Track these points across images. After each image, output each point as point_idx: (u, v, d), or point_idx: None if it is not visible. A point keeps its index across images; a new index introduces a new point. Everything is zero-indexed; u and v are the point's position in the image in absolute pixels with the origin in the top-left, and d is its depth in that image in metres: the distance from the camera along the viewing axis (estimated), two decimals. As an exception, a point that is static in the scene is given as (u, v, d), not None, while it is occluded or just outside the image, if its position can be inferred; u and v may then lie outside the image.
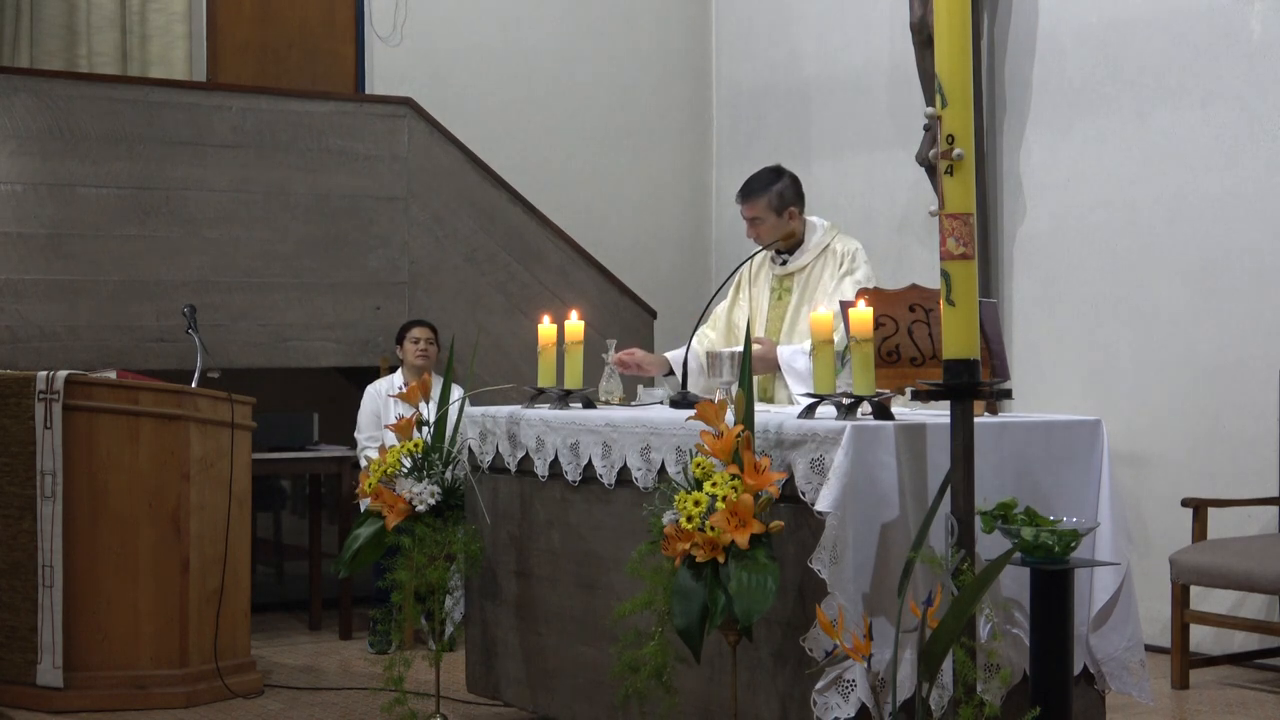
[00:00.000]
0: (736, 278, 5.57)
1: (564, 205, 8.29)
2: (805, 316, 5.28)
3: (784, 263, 5.38)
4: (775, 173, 5.36)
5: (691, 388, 5.14)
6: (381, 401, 6.97)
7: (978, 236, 4.46)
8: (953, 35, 3.54)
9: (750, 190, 5.32)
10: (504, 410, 5.09)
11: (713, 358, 5.13)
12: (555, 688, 4.87)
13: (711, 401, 3.95)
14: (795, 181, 5.35)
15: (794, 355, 5.17)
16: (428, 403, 5.02)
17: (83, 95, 6.81)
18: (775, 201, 5.28)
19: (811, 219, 5.38)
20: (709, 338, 5.51)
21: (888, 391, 4.04)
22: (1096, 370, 6.83)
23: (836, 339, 4.13)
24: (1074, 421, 4.29)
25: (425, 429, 4.96)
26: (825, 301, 5.14)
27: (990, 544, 3.71)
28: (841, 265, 5.28)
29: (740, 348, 5.07)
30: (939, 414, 4.06)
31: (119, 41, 7.69)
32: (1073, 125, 6.95)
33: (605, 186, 8.80)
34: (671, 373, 5.37)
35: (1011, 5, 7.20)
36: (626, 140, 8.88)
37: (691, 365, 5.23)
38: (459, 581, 5.15)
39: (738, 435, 3.83)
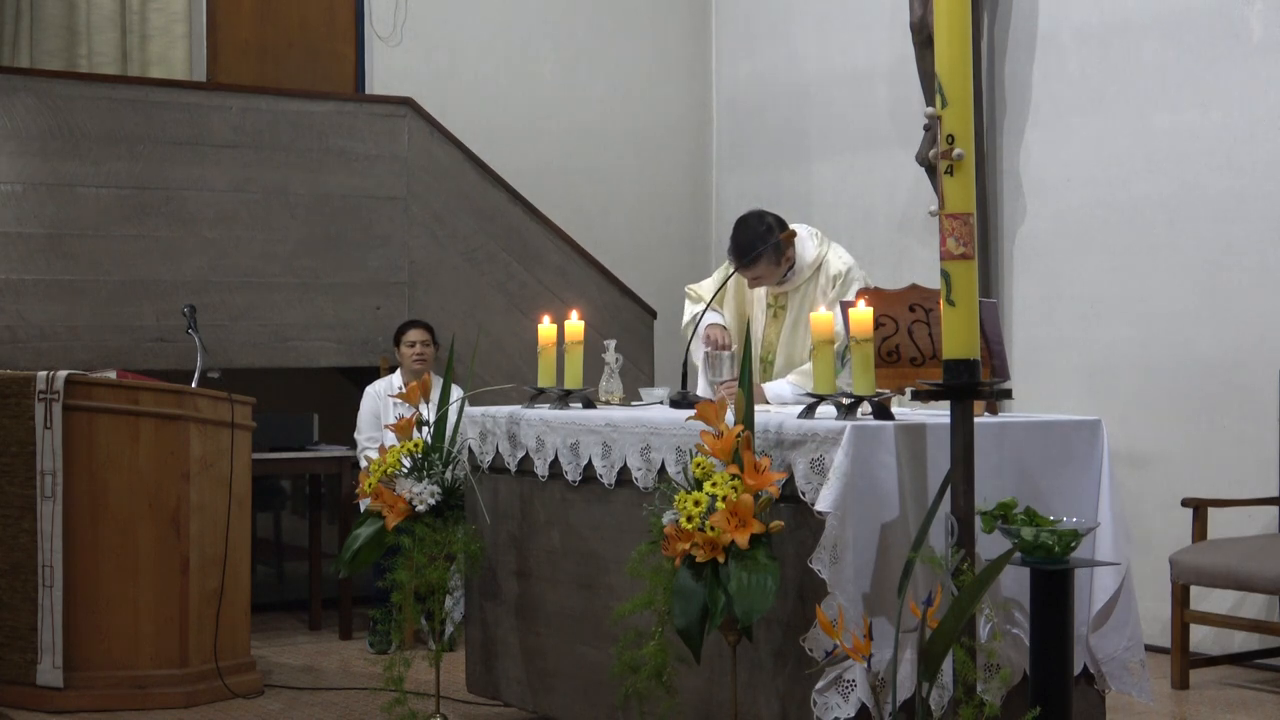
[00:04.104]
0: (732, 280, 5.54)
1: (564, 205, 8.29)
2: (801, 335, 5.30)
3: (780, 281, 5.36)
4: (763, 223, 5.20)
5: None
6: (381, 402, 6.97)
7: (978, 236, 4.46)
8: (953, 35, 3.54)
9: (754, 257, 5.16)
10: (504, 410, 5.09)
11: (713, 358, 5.15)
12: (555, 688, 4.88)
13: (712, 400, 3.95)
14: (779, 219, 5.26)
15: (780, 386, 5.21)
16: (428, 403, 5.02)
17: (83, 95, 6.81)
18: (775, 256, 5.22)
19: (799, 233, 5.33)
20: (702, 301, 5.50)
21: (888, 391, 4.04)
22: (1096, 370, 6.82)
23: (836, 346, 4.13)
24: (1074, 421, 4.29)
25: (425, 429, 4.96)
26: None
27: (990, 544, 3.71)
28: (834, 288, 5.26)
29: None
30: (939, 414, 4.06)
31: (119, 41, 7.68)
32: (1073, 125, 6.95)
33: (605, 186, 8.80)
34: None
35: (1011, 5, 7.20)
36: (627, 140, 8.88)
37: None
38: (459, 581, 5.15)
39: (738, 435, 3.83)
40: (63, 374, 5.53)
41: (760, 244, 5.15)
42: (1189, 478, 6.35)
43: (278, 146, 7.19)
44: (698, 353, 5.35)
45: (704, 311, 5.35)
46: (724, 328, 5.39)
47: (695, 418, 3.90)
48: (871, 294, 4.09)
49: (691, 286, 5.70)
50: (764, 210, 5.34)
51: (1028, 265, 7.15)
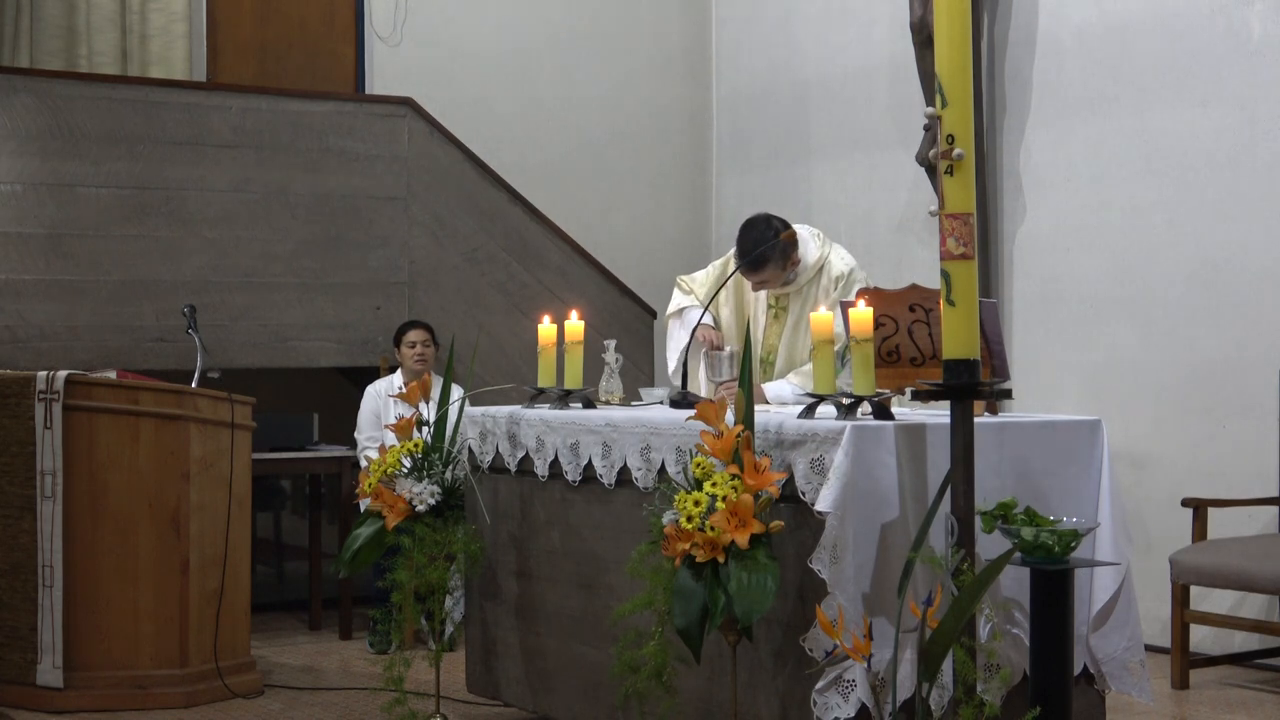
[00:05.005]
0: (731, 279, 5.54)
1: (564, 205, 8.29)
2: (802, 336, 5.29)
3: (783, 282, 5.36)
4: (770, 227, 5.20)
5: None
6: (381, 402, 6.97)
7: (978, 236, 4.46)
8: (953, 35, 3.54)
9: (761, 261, 5.17)
10: (504, 410, 5.09)
11: (712, 358, 5.16)
12: (555, 688, 4.87)
13: (712, 401, 3.95)
14: (784, 222, 5.26)
15: (780, 386, 5.21)
16: (428, 403, 5.02)
17: (83, 95, 6.81)
18: (782, 260, 5.22)
19: (801, 234, 5.33)
20: (694, 294, 5.53)
21: (888, 391, 4.04)
22: (1096, 370, 6.82)
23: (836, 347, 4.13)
24: (1074, 421, 4.29)
25: (425, 429, 4.96)
26: None
27: (990, 544, 3.71)
28: (837, 289, 5.25)
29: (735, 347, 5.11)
30: (939, 414, 4.06)
31: (119, 41, 7.69)
32: (1073, 125, 6.95)
33: (605, 186, 8.80)
34: None
35: (1011, 5, 7.20)
36: (627, 140, 8.88)
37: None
38: (459, 581, 5.15)
39: (738, 435, 3.83)
40: (63, 374, 5.53)
41: (767, 248, 5.15)
42: (1189, 478, 6.35)
43: (278, 146, 7.19)
44: (675, 347, 5.38)
45: (703, 314, 5.34)
46: (712, 327, 5.40)
47: (695, 418, 3.90)
48: (871, 294, 4.09)
49: (683, 277, 5.70)
50: (770, 214, 5.33)
51: (1028, 265, 7.15)
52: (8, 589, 5.57)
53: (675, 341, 5.51)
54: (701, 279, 5.61)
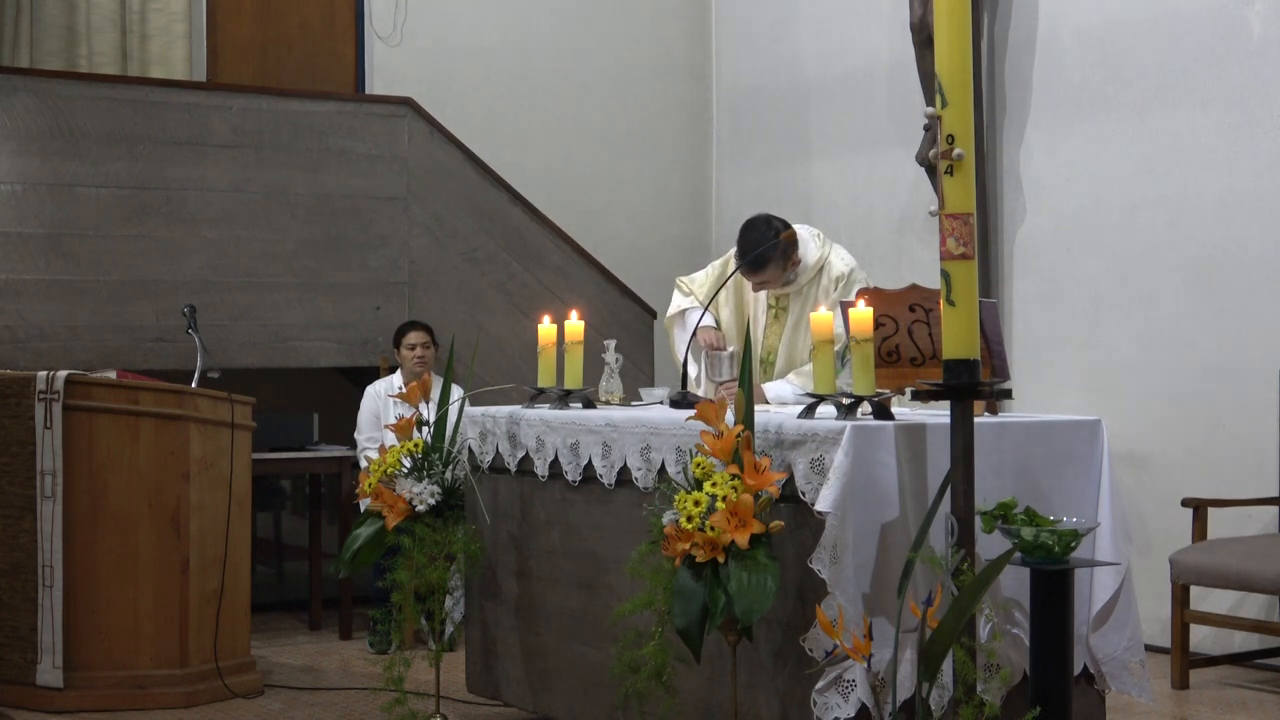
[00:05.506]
0: (731, 280, 5.54)
1: (564, 205, 8.29)
2: (802, 336, 5.29)
3: (784, 283, 5.36)
4: (770, 228, 5.20)
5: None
6: (381, 402, 6.97)
7: (978, 236, 4.46)
8: (953, 35, 3.54)
9: (762, 262, 5.18)
10: (504, 410, 5.09)
11: (712, 358, 5.16)
12: (555, 688, 4.88)
13: (712, 401, 3.95)
14: (785, 223, 5.27)
15: (780, 387, 5.21)
16: (428, 403, 5.02)
17: (83, 95, 6.81)
18: (782, 260, 5.23)
19: (801, 234, 5.34)
20: (694, 295, 5.55)
21: (888, 391, 4.04)
22: (1096, 370, 6.82)
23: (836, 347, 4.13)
24: (1074, 421, 4.29)
25: (425, 429, 4.96)
26: None
27: (990, 544, 3.71)
28: (837, 289, 5.25)
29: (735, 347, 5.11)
30: (939, 414, 4.06)
31: (119, 41, 7.69)
32: (1073, 125, 6.95)
33: (605, 186, 8.80)
34: None
35: (1011, 5, 7.20)
36: (627, 140, 8.88)
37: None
38: (459, 581, 5.15)
39: (738, 435, 3.83)
40: (63, 374, 5.53)
41: (767, 248, 5.15)
42: (1189, 478, 6.35)
43: (278, 146, 7.19)
44: (681, 350, 5.38)
45: (702, 315, 5.34)
46: (714, 329, 5.40)
47: (695, 418, 3.90)
48: (871, 294, 4.09)
49: (682, 279, 5.71)
50: (770, 215, 5.33)
51: (1028, 265, 7.15)
52: (8, 589, 5.57)
53: (681, 344, 5.51)
54: (701, 279, 5.62)
